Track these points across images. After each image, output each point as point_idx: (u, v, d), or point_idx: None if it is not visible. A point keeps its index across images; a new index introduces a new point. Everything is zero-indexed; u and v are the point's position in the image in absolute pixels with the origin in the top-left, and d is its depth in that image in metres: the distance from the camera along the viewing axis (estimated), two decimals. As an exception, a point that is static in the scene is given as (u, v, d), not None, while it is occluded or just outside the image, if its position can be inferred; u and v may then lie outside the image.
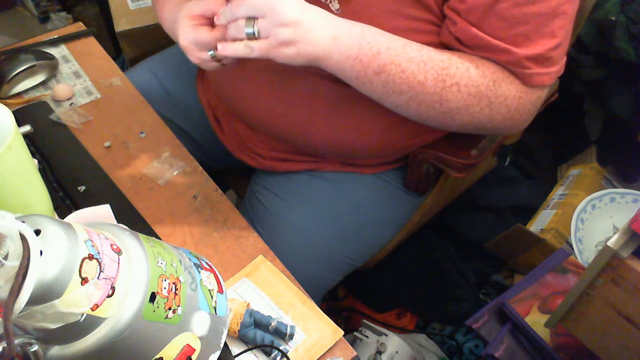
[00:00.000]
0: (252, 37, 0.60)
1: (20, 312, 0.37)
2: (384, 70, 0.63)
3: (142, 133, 0.80)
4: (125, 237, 0.46)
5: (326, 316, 0.62)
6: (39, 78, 0.86)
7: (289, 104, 0.76)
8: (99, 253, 0.42)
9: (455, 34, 0.65)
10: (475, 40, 0.64)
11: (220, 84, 0.84)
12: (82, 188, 0.72)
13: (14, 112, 0.62)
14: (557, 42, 0.64)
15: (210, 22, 0.66)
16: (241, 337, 0.60)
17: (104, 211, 0.67)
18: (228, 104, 0.86)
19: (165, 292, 0.45)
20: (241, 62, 0.76)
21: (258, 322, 0.60)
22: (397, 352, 1.01)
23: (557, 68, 0.67)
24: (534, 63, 0.65)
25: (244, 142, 0.89)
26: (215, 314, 0.51)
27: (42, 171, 0.74)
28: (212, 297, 0.51)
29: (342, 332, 0.61)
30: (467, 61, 0.65)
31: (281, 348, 0.59)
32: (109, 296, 0.41)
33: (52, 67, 0.87)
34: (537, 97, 0.69)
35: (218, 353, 0.51)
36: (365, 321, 1.10)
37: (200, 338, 0.48)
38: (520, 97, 0.67)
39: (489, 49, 0.64)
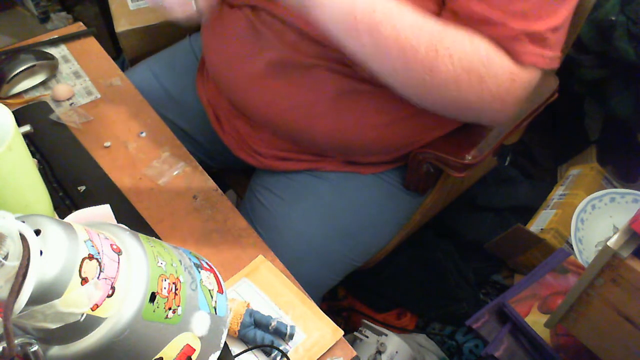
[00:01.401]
0: None
1: (20, 312, 0.37)
2: (377, 29, 0.61)
3: (142, 133, 0.80)
4: (125, 237, 0.46)
5: (326, 316, 0.62)
6: (39, 78, 0.86)
7: (294, 96, 0.76)
8: (99, 253, 0.42)
9: (451, 6, 0.64)
10: (472, 14, 0.63)
11: (223, 78, 0.83)
12: (82, 188, 0.72)
13: (14, 112, 0.62)
14: (556, 25, 0.63)
15: None
16: (241, 337, 0.60)
17: (104, 211, 0.67)
18: (230, 98, 0.86)
19: (165, 292, 0.45)
20: (246, 55, 0.75)
21: (258, 322, 0.60)
22: (397, 352, 1.01)
23: (551, 54, 0.66)
24: (529, 40, 0.63)
25: (244, 140, 0.89)
26: (215, 314, 0.51)
27: (42, 171, 0.74)
28: (212, 297, 0.51)
29: (342, 332, 0.61)
30: (463, 32, 0.63)
31: (281, 348, 0.59)
32: (109, 296, 0.41)
33: (52, 67, 0.87)
34: (528, 81, 0.67)
35: (218, 353, 0.51)
36: (365, 321, 1.10)
37: (200, 338, 0.48)
38: (511, 77, 0.65)
39: (486, 22, 0.63)
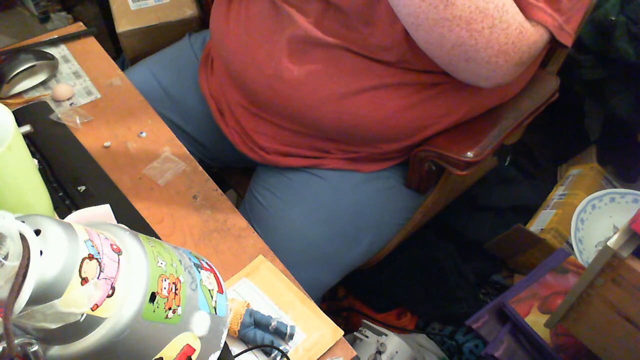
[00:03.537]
0: None
1: (20, 312, 0.37)
2: None
3: (142, 133, 0.80)
4: (125, 237, 0.46)
5: (326, 316, 0.62)
6: (39, 78, 0.86)
7: (309, 73, 0.75)
8: (99, 253, 0.42)
9: None
10: None
11: (237, 61, 0.82)
12: (82, 188, 0.72)
13: (14, 112, 0.62)
14: None
15: None
16: (241, 337, 0.60)
17: (104, 211, 0.67)
18: (241, 83, 0.84)
19: (165, 292, 0.45)
20: (268, 34, 0.75)
21: (258, 322, 0.60)
22: (397, 352, 1.01)
23: (561, 20, 0.67)
24: None
25: (248, 135, 0.89)
26: (215, 314, 0.51)
27: (42, 171, 0.74)
28: (212, 297, 0.51)
29: (342, 332, 0.61)
30: None
31: (281, 348, 0.59)
32: (109, 296, 0.41)
33: (52, 67, 0.87)
34: (534, 41, 0.68)
35: (218, 353, 0.51)
36: (365, 321, 1.10)
37: (200, 338, 0.48)
38: (521, 32, 0.66)
39: None
